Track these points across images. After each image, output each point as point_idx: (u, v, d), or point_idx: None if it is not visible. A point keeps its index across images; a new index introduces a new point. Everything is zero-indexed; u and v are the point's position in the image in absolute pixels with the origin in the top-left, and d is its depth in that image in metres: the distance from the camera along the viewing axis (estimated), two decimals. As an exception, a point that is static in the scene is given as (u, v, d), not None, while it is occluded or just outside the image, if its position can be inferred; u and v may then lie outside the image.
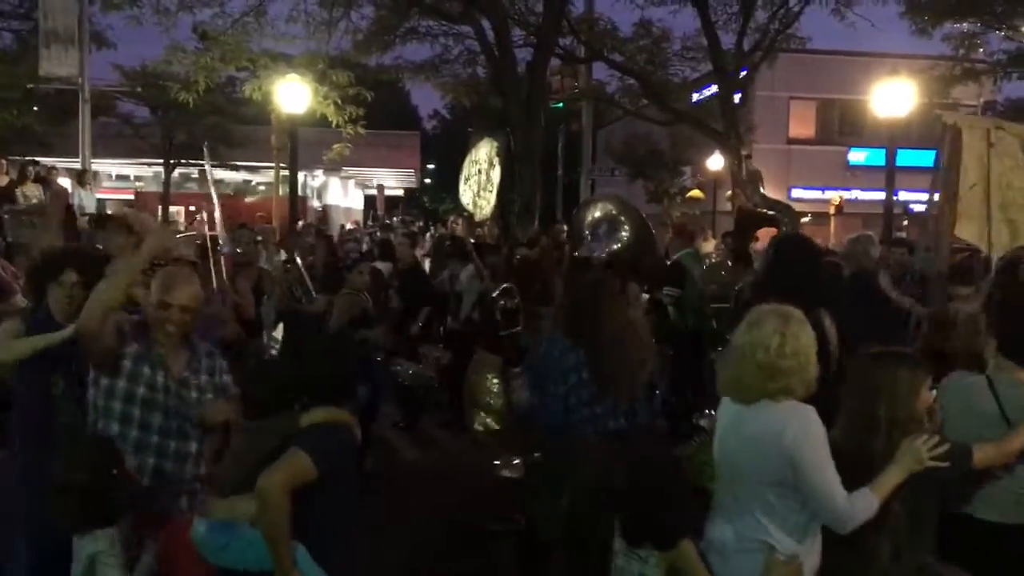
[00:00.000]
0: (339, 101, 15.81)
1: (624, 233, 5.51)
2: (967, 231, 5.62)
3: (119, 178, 34.59)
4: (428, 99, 70.00)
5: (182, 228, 14.15)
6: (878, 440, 3.21)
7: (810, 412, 3.08)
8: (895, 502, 3.15)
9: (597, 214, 5.70)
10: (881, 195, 18.10)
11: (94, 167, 18.20)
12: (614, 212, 5.65)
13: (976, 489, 3.57)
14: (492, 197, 12.39)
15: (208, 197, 7.49)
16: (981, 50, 20.47)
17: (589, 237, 5.58)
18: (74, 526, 3.20)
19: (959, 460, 3.25)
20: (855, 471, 3.10)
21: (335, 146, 16.64)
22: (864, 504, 3.06)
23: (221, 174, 32.02)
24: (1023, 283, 4.42)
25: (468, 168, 12.86)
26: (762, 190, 16.07)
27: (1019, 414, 3.50)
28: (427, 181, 51.80)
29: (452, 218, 17.90)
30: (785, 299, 3.37)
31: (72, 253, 4.31)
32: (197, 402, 3.80)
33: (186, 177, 33.67)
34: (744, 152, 17.69)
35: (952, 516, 3.56)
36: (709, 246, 9.96)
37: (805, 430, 3.04)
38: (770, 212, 6.57)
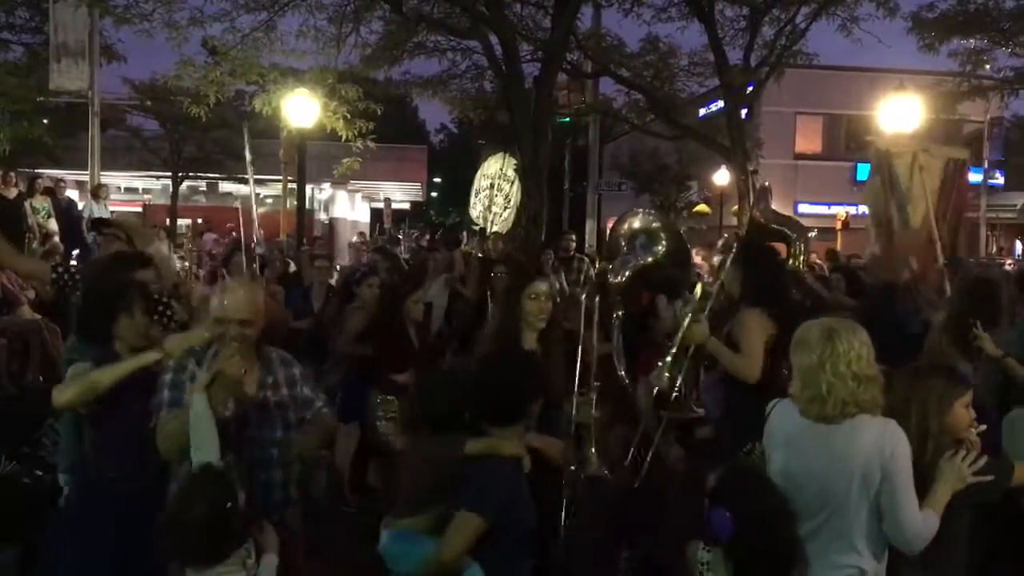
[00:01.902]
0: (348, 115, 15.89)
1: (660, 247, 5.51)
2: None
3: (128, 191, 34.78)
4: (435, 113, 70.15)
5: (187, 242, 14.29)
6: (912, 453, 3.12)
7: (898, 426, 3.02)
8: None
9: (636, 225, 5.70)
10: (888, 211, 18.08)
11: (103, 179, 18.27)
12: (655, 225, 5.66)
13: None
14: (509, 214, 12.41)
15: (244, 210, 7.44)
16: (988, 66, 20.47)
17: (625, 250, 5.57)
18: (193, 560, 3.00)
19: (1000, 475, 3.18)
20: None
21: (345, 161, 16.71)
22: (933, 523, 3.00)
23: (229, 187, 32.20)
24: None
25: (479, 182, 12.96)
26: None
27: None
28: (433, 195, 51.93)
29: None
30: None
31: (138, 284, 3.97)
32: (282, 425, 3.54)
33: (194, 190, 33.84)
34: (751, 167, 17.73)
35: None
36: (698, 258, 9.91)
37: (900, 444, 2.98)
38: (780, 227, 6.53)
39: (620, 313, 5.36)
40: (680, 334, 4.73)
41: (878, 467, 2.94)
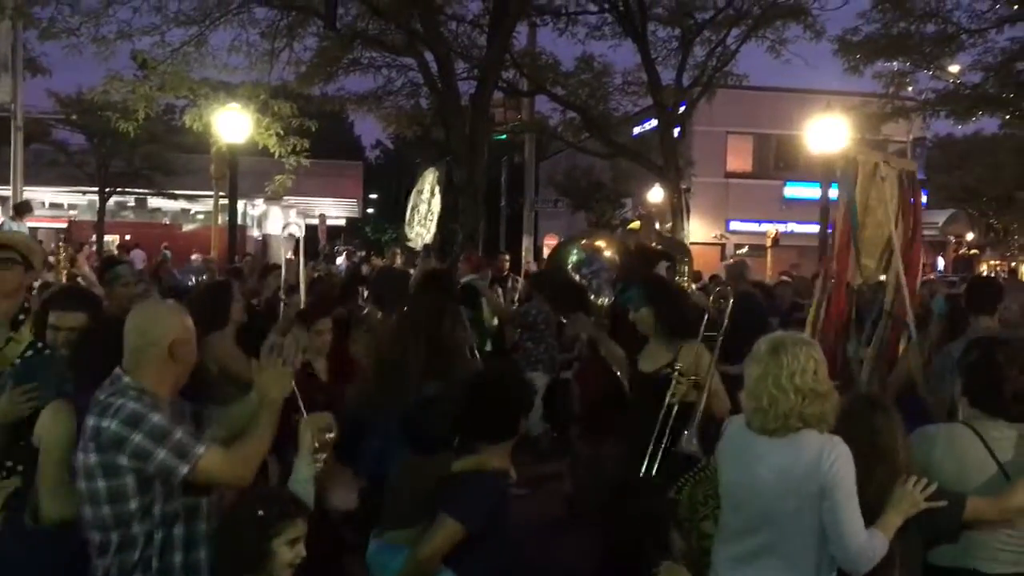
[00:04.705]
0: (281, 132, 15.67)
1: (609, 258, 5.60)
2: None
3: (52, 206, 33.71)
4: (371, 129, 69.71)
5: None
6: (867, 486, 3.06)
7: (842, 442, 2.97)
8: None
9: (573, 258, 5.79)
10: (816, 228, 18.52)
11: (26, 195, 17.72)
12: (584, 254, 5.77)
13: (979, 542, 3.31)
14: (432, 226, 12.41)
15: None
16: (910, 88, 21.08)
17: (589, 281, 5.66)
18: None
19: (952, 505, 3.15)
20: None
21: (277, 178, 16.48)
22: (880, 544, 2.97)
23: (158, 202, 31.49)
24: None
25: (414, 198, 12.92)
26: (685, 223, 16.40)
27: (1016, 468, 3.25)
28: (369, 211, 51.55)
29: (393, 249, 17.79)
30: None
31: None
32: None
33: (122, 206, 33.05)
34: (683, 185, 18.03)
35: (957, 571, 3.35)
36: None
37: (842, 460, 2.94)
38: (662, 249, 6.85)
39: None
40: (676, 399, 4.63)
41: (817, 482, 2.92)
